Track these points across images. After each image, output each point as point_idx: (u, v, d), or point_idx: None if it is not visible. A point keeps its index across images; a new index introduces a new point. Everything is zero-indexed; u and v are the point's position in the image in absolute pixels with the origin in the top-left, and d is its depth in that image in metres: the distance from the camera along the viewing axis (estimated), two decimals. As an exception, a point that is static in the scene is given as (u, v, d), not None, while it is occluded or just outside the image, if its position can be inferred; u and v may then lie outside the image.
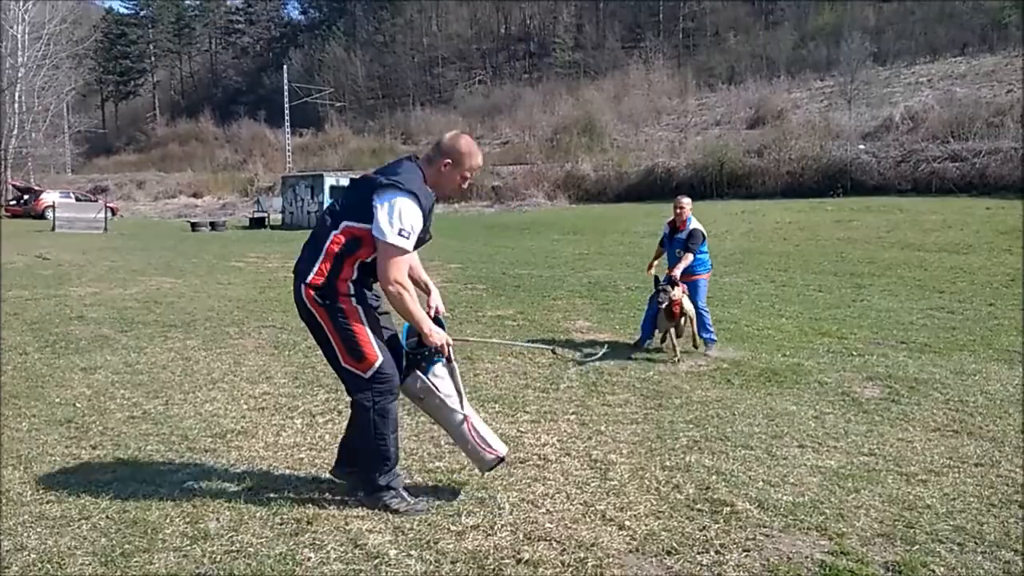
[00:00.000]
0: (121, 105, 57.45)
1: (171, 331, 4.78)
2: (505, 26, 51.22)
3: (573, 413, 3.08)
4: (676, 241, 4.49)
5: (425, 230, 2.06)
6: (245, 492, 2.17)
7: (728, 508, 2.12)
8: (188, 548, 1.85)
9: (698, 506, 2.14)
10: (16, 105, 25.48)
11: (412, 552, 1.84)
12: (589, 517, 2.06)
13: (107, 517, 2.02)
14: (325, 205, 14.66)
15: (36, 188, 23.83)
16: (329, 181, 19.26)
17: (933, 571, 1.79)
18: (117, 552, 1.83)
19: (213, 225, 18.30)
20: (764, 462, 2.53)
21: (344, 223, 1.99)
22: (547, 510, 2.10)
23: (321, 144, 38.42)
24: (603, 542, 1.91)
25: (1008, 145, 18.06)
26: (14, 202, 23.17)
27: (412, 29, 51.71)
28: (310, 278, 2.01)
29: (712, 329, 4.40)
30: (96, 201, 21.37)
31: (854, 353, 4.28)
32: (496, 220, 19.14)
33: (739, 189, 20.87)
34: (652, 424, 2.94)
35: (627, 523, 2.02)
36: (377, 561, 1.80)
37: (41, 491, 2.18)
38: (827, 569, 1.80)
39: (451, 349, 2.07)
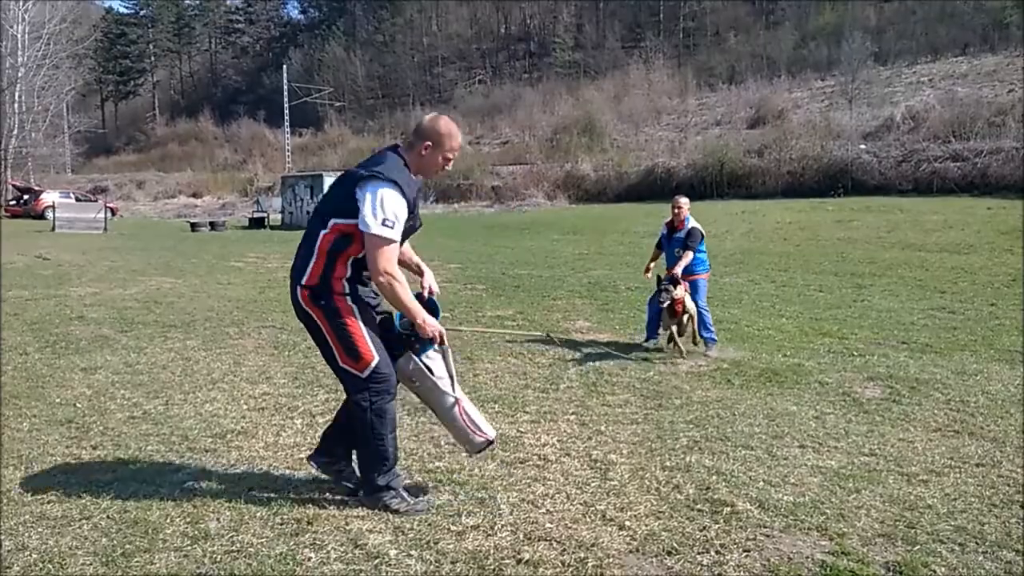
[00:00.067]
0: (121, 105, 57.46)
1: (171, 331, 4.78)
2: (505, 26, 51.22)
3: (573, 413, 3.07)
4: (675, 240, 4.49)
5: (414, 217, 2.06)
6: (245, 492, 2.17)
7: (728, 508, 2.12)
8: (189, 548, 1.85)
9: (698, 506, 2.14)
10: (16, 105, 25.48)
11: (412, 552, 1.84)
12: (589, 517, 2.06)
13: (108, 517, 2.02)
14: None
15: (36, 188, 23.83)
16: (329, 181, 19.10)
17: (934, 571, 1.79)
18: (118, 552, 1.83)
19: (213, 225, 18.30)
20: (764, 462, 2.53)
21: (332, 221, 1.99)
22: (547, 510, 2.10)
23: (321, 144, 38.43)
24: (603, 542, 1.91)
25: (1009, 145, 18.05)
26: (14, 202, 23.17)
27: (412, 29, 51.71)
28: (305, 279, 2.01)
29: (713, 329, 4.40)
30: (96, 201, 21.37)
31: (855, 353, 4.28)
32: (496, 220, 19.13)
33: (739, 189, 20.87)
34: (652, 424, 2.94)
35: (627, 523, 2.02)
36: (377, 561, 1.80)
37: (42, 491, 2.18)
38: (828, 569, 1.79)
39: (444, 334, 2.07)
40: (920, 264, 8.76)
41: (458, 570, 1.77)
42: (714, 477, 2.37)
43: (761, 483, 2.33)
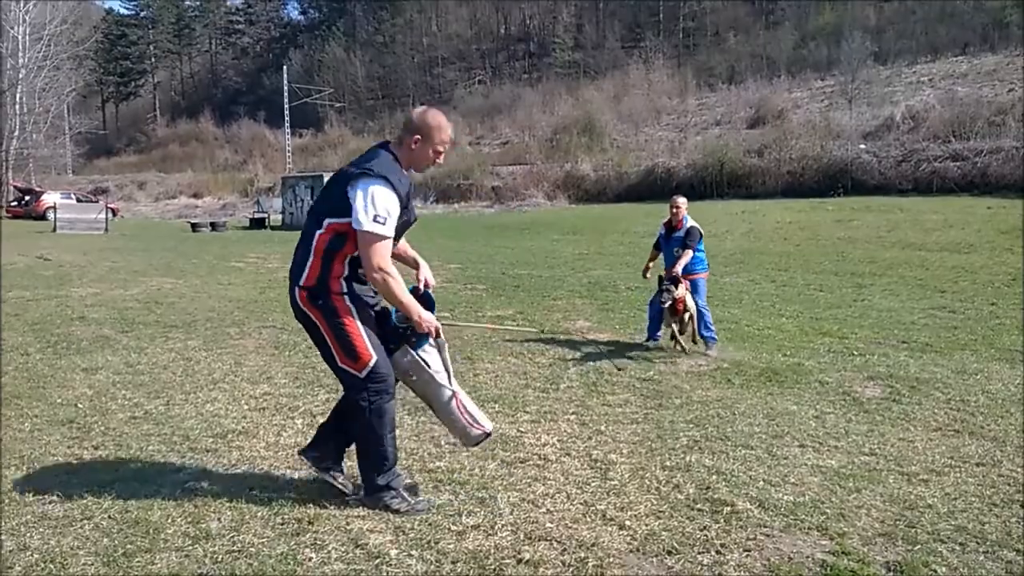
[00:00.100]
0: (122, 106, 57.52)
1: (172, 331, 4.79)
2: (505, 26, 51.23)
3: (573, 413, 3.08)
4: (674, 240, 4.50)
5: (408, 212, 2.06)
6: (246, 492, 2.18)
7: (729, 508, 2.12)
8: (190, 548, 1.86)
9: (698, 506, 2.14)
10: (17, 106, 25.52)
11: (413, 552, 1.85)
12: (590, 517, 2.06)
13: (109, 517, 2.02)
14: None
15: (37, 189, 23.87)
16: (329, 182, 19.22)
17: (935, 571, 1.79)
18: (119, 552, 1.84)
19: (213, 226, 18.31)
20: (765, 462, 2.53)
21: (327, 221, 1.99)
22: (547, 510, 2.10)
23: (321, 144, 38.45)
24: (604, 542, 1.91)
25: (1009, 144, 18.04)
26: (15, 203, 23.21)
27: (412, 29, 51.74)
28: (303, 280, 2.02)
29: (713, 328, 4.41)
30: (97, 202, 21.39)
31: (855, 353, 4.28)
32: (496, 220, 19.13)
33: (739, 189, 20.87)
34: (652, 424, 2.94)
35: (627, 523, 2.02)
36: (378, 561, 1.80)
37: (43, 491, 2.18)
38: (828, 569, 1.80)
39: (440, 328, 2.08)
40: (920, 263, 8.76)
41: (459, 570, 1.77)
42: (714, 477, 2.37)
43: (761, 483, 2.33)
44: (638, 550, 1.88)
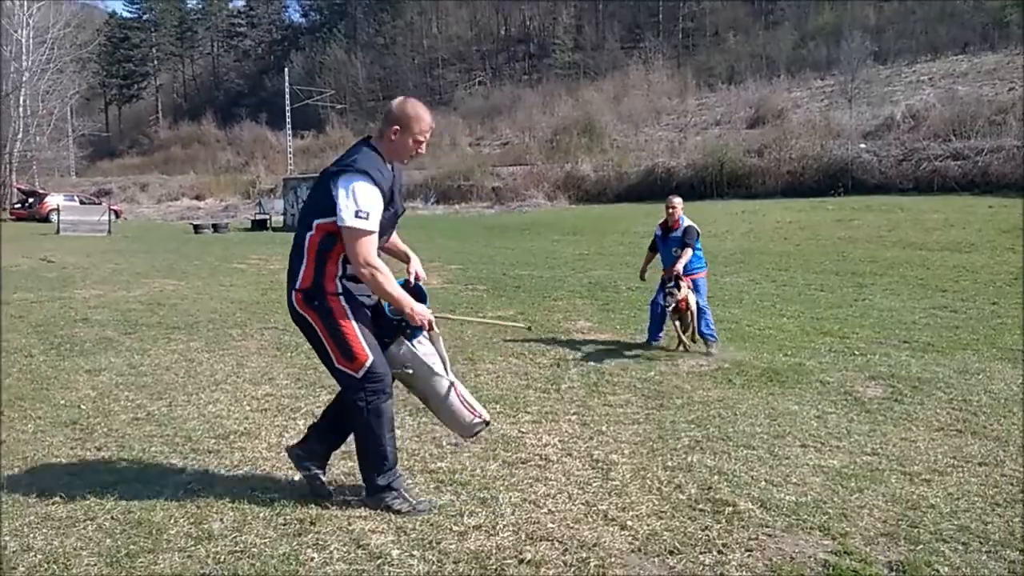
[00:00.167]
0: (124, 108, 57.74)
1: (174, 333, 4.80)
2: (505, 27, 51.32)
3: (574, 413, 3.08)
4: (671, 240, 4.51)
5: (394, 204, 2.05)
6: (248, 493, 2.18)
7: (730, 508, 2.12)
8: (192, 549, 1.86)
9: (700, 506, 2.14)
10: (21, 109, 25.60)
11: (415, 552, 1.85)
12: (591, 517, 2.06)
13: (112, 518, 2.03)
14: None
15: (40, 191, 23.95)
16: (330, 183, 19.23)
17: (937, 571, 1.79)
18: (122, 553, 1.84)
19: (215, 227, 18.35)
20: (766, 462, 2.53)
21: (315, 221, 2.00)
22: (549, 510, 2.11)
23: (322, 146, 38.52)
24: (605, 542, 1.91)
25: (1010, 143, 18.02)
26: (19, 205, 23.29)
27: (412, 31, 51.85)
28: (299, 283, 2.02)
29: (713, 327, 4.41)
30: (100, 204, 21.45)
31: (856, 352, 4.27)
32: (496, 221, 19.14)
33: (739, 189, 20.86)
34: (654, 424, 2.94)
35: (629, 523, 2.02)
36: (380, 561, 1.81)
37: (46, 492, 2.18)
38: (830, 569, 1.79)
39: (434, 320, 2.08)
40: (921, 263, 8.74)
41: (460, 570, 1.77)
42: (716, 477, 2.37)
43: (763, 483, 2.33)
44: (640, 550, 1.88)
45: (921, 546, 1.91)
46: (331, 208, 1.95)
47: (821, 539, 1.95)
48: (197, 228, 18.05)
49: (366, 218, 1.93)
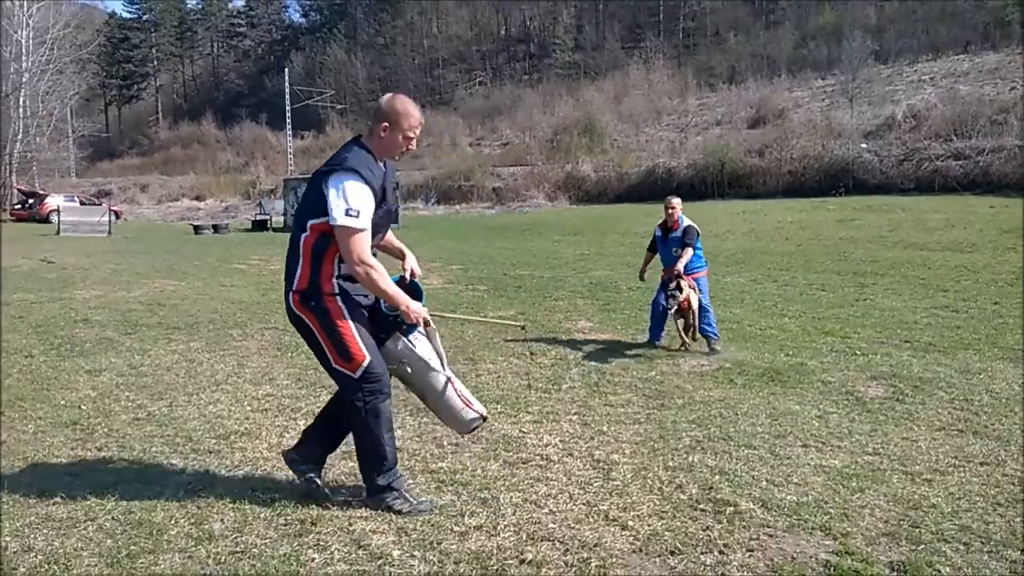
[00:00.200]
0: (124, 109, 57.79)
1: (175, 333, 4.80)
2: (505, 27, 51.34)
3: (575, 413, 3.08)
4: (671, 240, 4.51)
5: (387, 202, 2.05)
6: (249, 493, 2.18)
7: (732, 508, 2.11)
8: (193, 549, 1.86)
9: (701, 506, 2.14)
10: (21, 110, 25.63)
11: (416, 553, 1.85)
12: (592, 517, 2.06)
13: (112, 518, 2.03)
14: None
15: (41, 192, 23.96)
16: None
17: (939, 571, 1.79)
18: (123, 553, 1.84)
19: (216, 228, 18.36)
20: (767, 462, 2.52)
21: (309, 222, 2.00)
22: (550, 510, 2.10)
23: (323, 146, 38.50)
24: (606, 542, 1.91)
25: (1011, 143, 18.01)
26: (19, 206, 23.30)
27: (412, 31, 51.87)
28: (295, 284, 2.03)
29: (715, 325, 4.41)
30: (100, 205, 21.47)
31: (857, 352, 4.27)
32: (497, 221, 19.14)
33: (740, 189, 20.86)
34: (655, 424, 2.94)
35: (630, 523, 2.02)
36: (381, 562, 1.80)
37: (47, 493, 2.18)
38: (832, 569, 1.79)
39: (429, 316, 2.08)
40: (922, 263, 8.74)
41: (461, 570, 1.77)
42: (717, 477, 2.37)
43: (764, 483, 2.32)
44: (641, 550, 1.88)
45: (922, 546, 1.90)
46: (323, 208, 1.95)
47: (822, 539, 1.95)
48: (197, 229, 18.05)
49: (356, 216, 1.93)
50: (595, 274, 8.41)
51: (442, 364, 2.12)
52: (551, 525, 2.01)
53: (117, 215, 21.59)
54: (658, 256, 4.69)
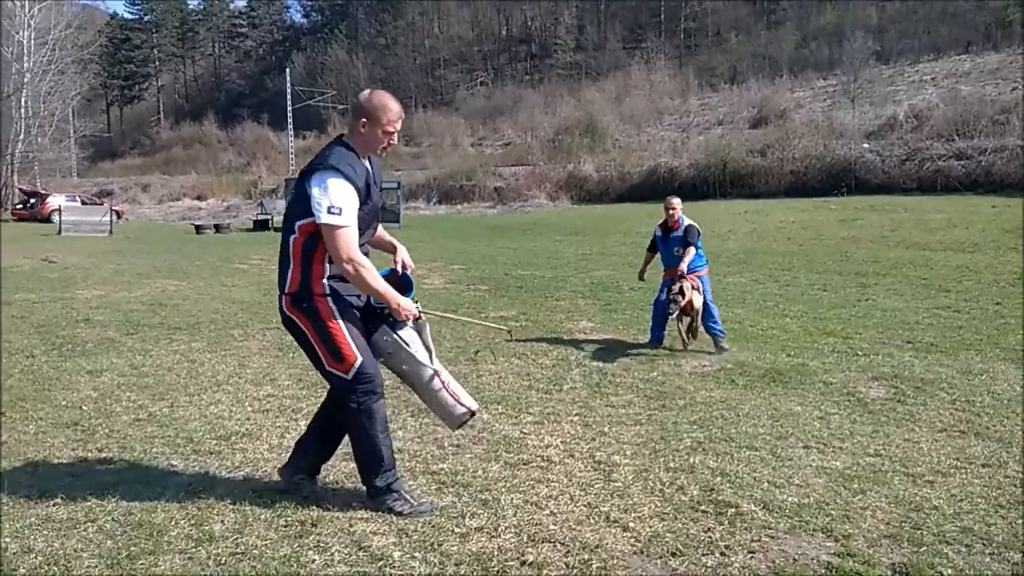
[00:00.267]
0: (126, 109, 57.90)
1: (176, 333, 4.81)
2: (506, 28, 51.35)
3: (576, 414, 3.07)
4: (672, 240, 4.51)
5: (371, 199, 2.05)
6: (249, 494, 2.18)
7: (733, 509, 2.11)
8: (193, 550, 1.86)
9: (703, 508, 2.13)
10: (23, 110, 25.69)
11: (416, 554, 1.85)
12: (593, 519, 2.06)
13: (113, 519, 2.03)
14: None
15: (42, 192, 24.01)
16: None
17: (940, 573, 1.78)
18: (123, 554, 1.84)
19: (217, 228, 18.38)
20: (769, 463, 2.52)
21: (297, 223, 2.00)
22: (551, 512, 2.10)
23: (324, 146, 38.55)
24: (607, 544, 1.90)
25: (1013, 143, 17.96)
26: (21, 206, 23.36)
27: (414, 31, 51.89)
28: (287, 287, 2.03)
29: (720, 322, 4.40)
30: (101, 204, 21.50)
31: (859, 353, 4.26)
32: (498, 221, 19.14)
33: (742, 189, 20.83)
34: (656, 425, 2.93)
35: (631, 525, 2.01)
36: (381, 563, 1.80)
37: (47, 494, 2.19)
38: (833, 571, 1.79)
39: (419, 310, 2.08)
40: (924, 263, 8.72)
41: (462, 572, 1.77)
42: (718, 478, 2.36)
43: (766, 484, 2.32)
44: (642, 552, 1.87)
45: (924, 548, 1.90)
46: (309, 208, 1.95)
47: (824, 541, 1.94)
48: (199, 228, 18.08)
49: (339, 213, 1.93)
50: (597, 274, 8.40)
51: (430, 357, 2.11)
52: (552, 527, 2.00)
53: (118, 215, 21.60)
54: (659, 256, 4.68)
